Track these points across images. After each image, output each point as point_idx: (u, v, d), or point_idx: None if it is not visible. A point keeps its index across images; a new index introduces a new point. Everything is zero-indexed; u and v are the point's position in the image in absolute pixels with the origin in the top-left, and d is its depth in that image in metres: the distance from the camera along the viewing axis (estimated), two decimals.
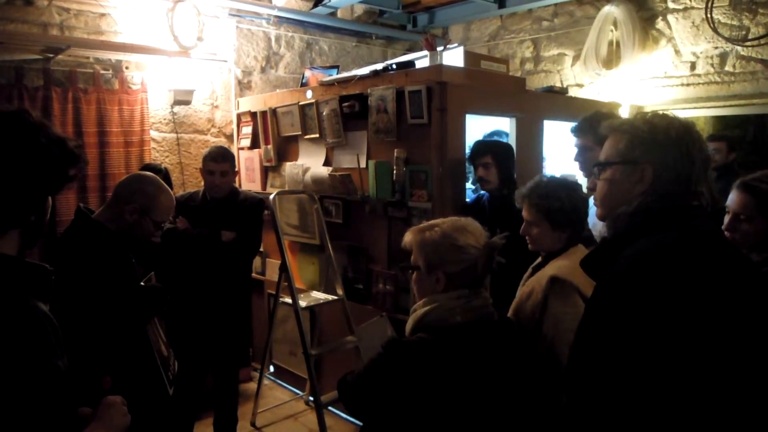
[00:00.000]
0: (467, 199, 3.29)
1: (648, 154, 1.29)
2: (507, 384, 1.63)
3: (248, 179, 4.46)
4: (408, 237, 1.74)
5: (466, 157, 3.12)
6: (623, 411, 1.13)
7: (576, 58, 4.80)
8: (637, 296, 1.13)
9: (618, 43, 4.44)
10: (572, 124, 3.91)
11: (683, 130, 1.28)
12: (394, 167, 3.31)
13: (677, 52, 4.26)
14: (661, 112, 1.35)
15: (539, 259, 2.18)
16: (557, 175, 2.71)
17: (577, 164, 2.68)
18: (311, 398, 4.07)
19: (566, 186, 2.13)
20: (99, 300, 1.93)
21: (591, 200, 2.17)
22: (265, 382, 4.02)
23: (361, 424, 3.61)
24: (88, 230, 2.02)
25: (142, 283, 2.21)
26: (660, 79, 4.34)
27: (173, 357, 2.35)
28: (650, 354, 1.11)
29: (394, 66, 3.38)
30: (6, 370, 1.03)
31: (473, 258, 1.63)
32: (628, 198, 1.31)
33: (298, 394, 4.23)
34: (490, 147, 3.03)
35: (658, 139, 1.28)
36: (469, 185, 3.73)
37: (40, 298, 1.15)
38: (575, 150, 2.66)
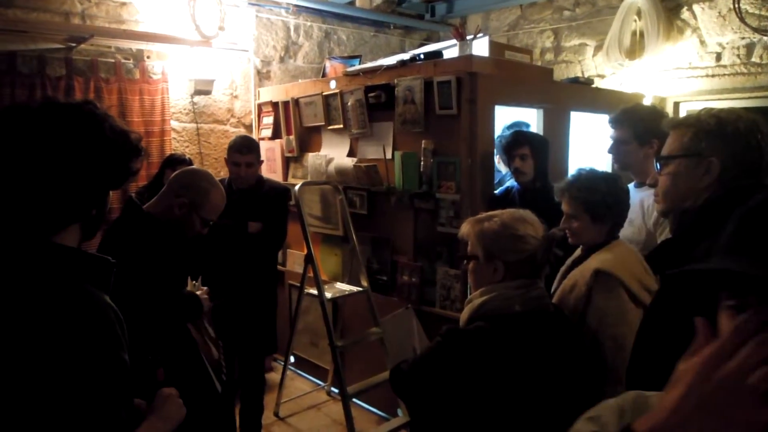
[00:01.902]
0: (495, 191, 3.26)
1: (715, 147, 1.27)
2: (563, 375, 1.62)
3: (269, 170, 4.45)
4: (465, 228, 1.73)
5: (502, 147, 3.09)
6: None
7: (598, 48, 4.75)
8: None
9: (641, 33, 4.39)
10: (598, 116, 3.92)
11: (752, 123, 1.27)
12: (422, 158, 3.29)
13: (702, 42, 4.21)
14: (726, 108, 1.33)
15: (578, 252, 2.17)
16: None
17: (599, 157, 2.65)
18: (333, 389, 4.09)
19: (606, 178, 2.11)
20: (146, 292, 1.92)
21: None
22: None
23: (385, 415, 3.65)
24: (138, 221, 2.01)
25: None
26: (684, 69, 4.30)
27: (223, 359, 2.34)
28: None
29: (422, 56, 3.35)
30: (73, 361, 1.02)
31: (533, 248, 1.63)
32: (694, 192, 1.29)
33: (319, 384, 4.24)
34: (529, 138, 3.00)
35: (726, 132, 1.26)
36: None
37: (102, 290, 1.14)
38: (610, 142, 2.62)
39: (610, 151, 2.62)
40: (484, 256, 1.67)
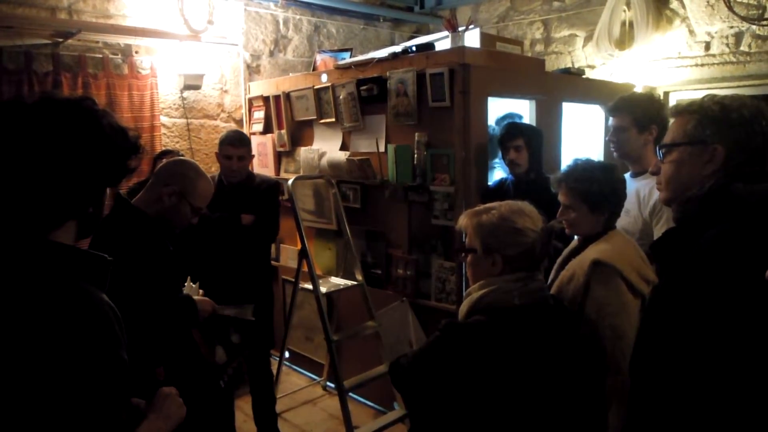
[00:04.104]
0: (489, 183, 3.26)
1: (719, 134, 1.27)
2: (563, 367, 1.62)
3: (261, 164, 4.42)
4: (463, 220, 1.72)
5: (497, 139, 3.09)
6: (714, 393, 1.12)
7: (588, 39, 4.76)
8: (729, 281, 1.11)
9: (631, 24, 4.40)
10: (589, 107, 3.94)
11: (756, 109, 1.26)
12: (415, 151, 3.27)
13: (691, 32, 4.22)
14: (730, 94, 1.33)
15: (574, 243, 2.17)
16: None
17: (592, 147, 2.67)
18: (329, 383, 4.08)
19: (603, 168, 2.11)
20: (141, 289, 1.90)
21: None
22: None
23: (382, 408, 3.65)
24: (127, 217, 1.99)
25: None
26: (674, 59, 4.31)
27: (231, 361, 2.32)
28: (741, 341, 1.09)
29: (414, 48, 3.33)
30: (72, 360, 1.01)
31: (531, 241, 1.62)
32: (698, 180, 1.28)
33: (314, 379, 4.23)
34: (523, 129, 3.00)
35: (731, 119, 1.26)
36: None
37: (99, 288, 1.13)
38: (608, 131, 2.63)
39: (609, 140, 2.63)
40: (482, 249, 1.66)
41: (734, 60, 4.05)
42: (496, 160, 3.41)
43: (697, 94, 1.42)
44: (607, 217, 2.06)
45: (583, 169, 2.07)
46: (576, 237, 2.14)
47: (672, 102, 4.32)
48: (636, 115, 2.49)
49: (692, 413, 1.18)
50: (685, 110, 1.35)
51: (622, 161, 2.66)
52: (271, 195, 3.39)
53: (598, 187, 2.02)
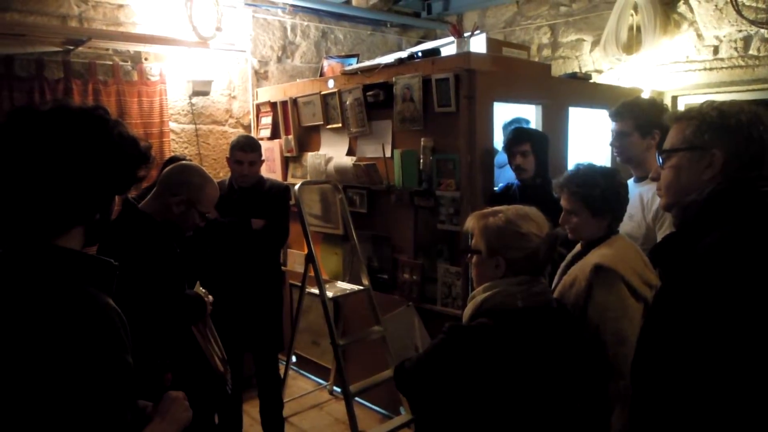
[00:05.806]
0: (495, 188, 3.26)
1: (718, 140, 1.27)
2: (566, 370, 1.63)
3: (268, 170, 4.44)
4: (470, 222, 1.74)
5: (503, 145, 3.10)
6: (714, 398, 1.13)
7: (595, 43, 4.75)
8: (727, 286, 1.11)
9: (638, 28, 4.38)
10: (596, 112, 3.93)
11: (754, 115, 1.27)
12: (421, 156, 3.29)
13: (699, 35, 4.21)
14: (728, 100, 1.33)
15: (578, 248, 2.17)
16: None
17: (598, 152, 2.66)
18: (335, 388, 4.09)
19: (605, 172, 2.11)
20: (148, 293, 1.92)
21: None
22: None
23: (388, 413, 3.65)
24: (134, 221, 2.01)
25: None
26: (682, 63, 4.30)
27: (230, 373, 2.32)
28: (740, 346, 1.10)
29: (420, 54, 3.35)
30: (78, 365, 1.02)
31: (535, 246, 1.64)
32: (697, 185, 1.29)
33: (321, 383, 4.24)
34: (530, 134, 3.00)
35: (729, 125, 1.26)
36: None
37: (105, 292, 1.14)
38: (612, 135, 2.62)
39: (612, 145, 2.63)
40: (486, 250, 1.68)
41: (743, 64, 4.03)
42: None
43: (706, 99, 1.42)
44: (609, 221, 2.06)
45: (585, 174, 2.08)
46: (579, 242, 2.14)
47: (681, 106, 4.31)
48: (638, 120, 2.49)
49: (694, 418, 1.18)
50: (684, 116, 1.35)
51: (626, 166, 2.66)
52: (281, 199, 3.42)
53: (599, 191, 2.02)
